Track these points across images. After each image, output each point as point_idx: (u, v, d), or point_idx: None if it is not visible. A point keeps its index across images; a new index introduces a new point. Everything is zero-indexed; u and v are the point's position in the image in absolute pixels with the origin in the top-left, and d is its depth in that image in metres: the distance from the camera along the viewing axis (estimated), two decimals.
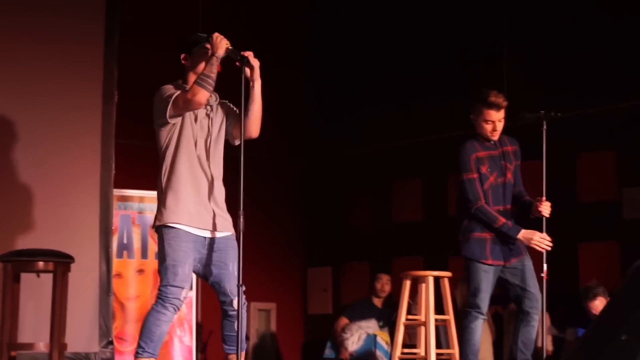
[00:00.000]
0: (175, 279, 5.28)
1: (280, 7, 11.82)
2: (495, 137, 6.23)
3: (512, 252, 6.21)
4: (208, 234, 5.39)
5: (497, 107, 6.16)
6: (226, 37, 5.35)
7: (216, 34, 5.34)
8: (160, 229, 5.35)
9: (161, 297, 5.29)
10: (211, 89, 5.29)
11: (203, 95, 5.25)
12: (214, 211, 5.39)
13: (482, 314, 6.18)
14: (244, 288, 5.38)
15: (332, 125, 11.82)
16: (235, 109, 5.55)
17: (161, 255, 5.34)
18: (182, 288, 5.30)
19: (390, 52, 11.28)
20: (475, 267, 6.18)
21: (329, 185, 11.88)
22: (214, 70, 5.28)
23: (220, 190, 5.45)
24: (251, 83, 5.36)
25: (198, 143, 5.40)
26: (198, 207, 5.36)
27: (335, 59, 11.84)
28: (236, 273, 5.36)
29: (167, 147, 5.39)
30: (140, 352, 5.30)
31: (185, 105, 5.30)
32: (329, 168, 11.90)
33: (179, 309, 5.36)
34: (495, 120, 6.17)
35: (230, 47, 5.32)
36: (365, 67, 11.50)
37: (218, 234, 5.41)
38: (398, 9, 11.23)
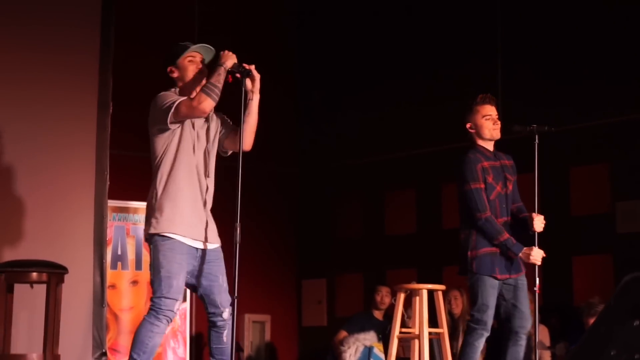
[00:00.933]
0: (170, 291, 5.21)
1: (271, 17, 11.83)
2: (497, 132, 6.22)
3: (513, 267, 6.16)
4: (200, 245, 5.33)
5: (490, 101, 6.23)
6: (220, 50, 5.38)
7: (226, 50, 5.36)
8: (154, 237, 5.27)
9: (154, 309, 5.23)
10: (217, 98, 5.26)
11: (209, 104, 5.23)
12: (207, 222, 5.35)
13: (487, 331, 6.08)
14: (233, 299, 5.33)
15: (323, 135, 11.80)
16: (229, 120, 5.56)
17: (155, 266, 5.25)
18: (176, 300, 5.24)
19: (383, 63, 11.27)
20: (484, 283, 6.05)
21: (321, 196, 11.86)
22: (221, 80, 5.26)
23: (212, 201, 5.42)
24: (250, 95, 5.37)
25: (196, 152, 5.37)
26: (193, 217, 5.31)
27: (326, 69, 11.83)
28: (226, 285, 5.34)
29: (163, 155, 5.34)
30: None
31: (188, 112, 5.26)
32: (320, 179, 11.89)
33: (172, 320, 5.30)
34: (493, 114, 6.22)
35: (237, 63, 5.34)
36: (357, 77, 11.48)
37: (209, 246, 5.35)
38: (390, 20, 11.25)
